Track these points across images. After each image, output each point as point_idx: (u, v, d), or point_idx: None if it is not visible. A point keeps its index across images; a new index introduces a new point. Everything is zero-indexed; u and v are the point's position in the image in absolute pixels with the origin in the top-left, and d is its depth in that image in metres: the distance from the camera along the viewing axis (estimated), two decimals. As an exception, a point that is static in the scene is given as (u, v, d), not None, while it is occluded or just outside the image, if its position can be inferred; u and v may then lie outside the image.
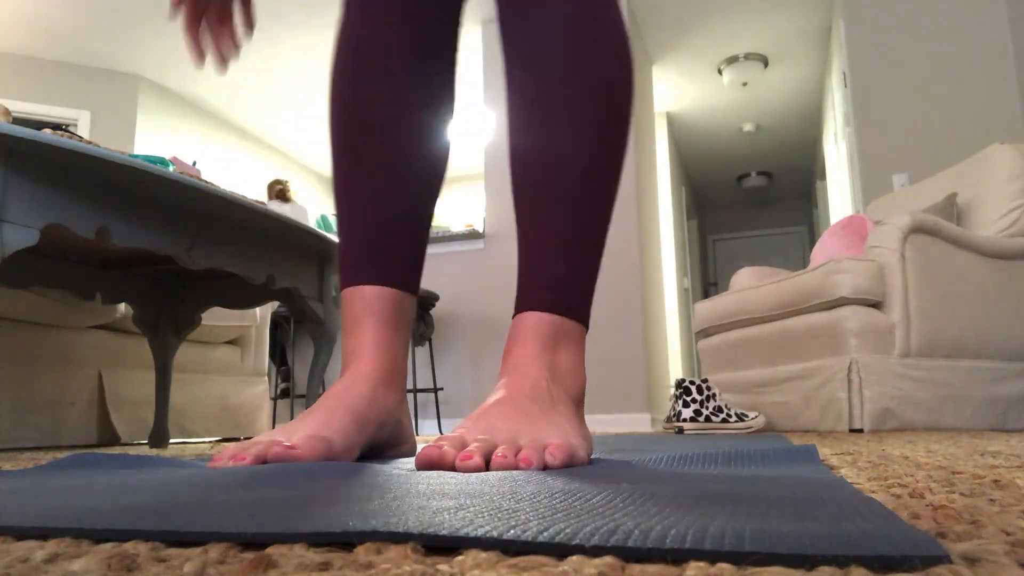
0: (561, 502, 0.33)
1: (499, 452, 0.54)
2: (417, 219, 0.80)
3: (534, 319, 0.70)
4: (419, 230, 0.81)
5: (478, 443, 0.56)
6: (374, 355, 0.73)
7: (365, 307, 0.74)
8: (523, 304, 0.72)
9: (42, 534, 0.30)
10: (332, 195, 0.80)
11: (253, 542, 0.27)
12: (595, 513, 0.29)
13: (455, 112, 0.86)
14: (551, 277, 0.71)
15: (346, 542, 0.26)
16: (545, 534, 0.24)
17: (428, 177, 0.81)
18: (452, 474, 0.51)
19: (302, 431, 0.63)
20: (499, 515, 0.29)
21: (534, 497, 0.36)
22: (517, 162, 0.75)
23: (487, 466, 0.54)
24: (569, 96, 0.72)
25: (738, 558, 0.21)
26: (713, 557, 0.22)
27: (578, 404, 0.71)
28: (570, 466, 0.56)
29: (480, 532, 0.25)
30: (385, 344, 0.74)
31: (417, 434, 3.74)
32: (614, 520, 0.27)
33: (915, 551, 0.21)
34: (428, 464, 0.55)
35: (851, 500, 0.32)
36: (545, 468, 0.54)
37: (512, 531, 0.25)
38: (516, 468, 0.53)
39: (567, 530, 0.25)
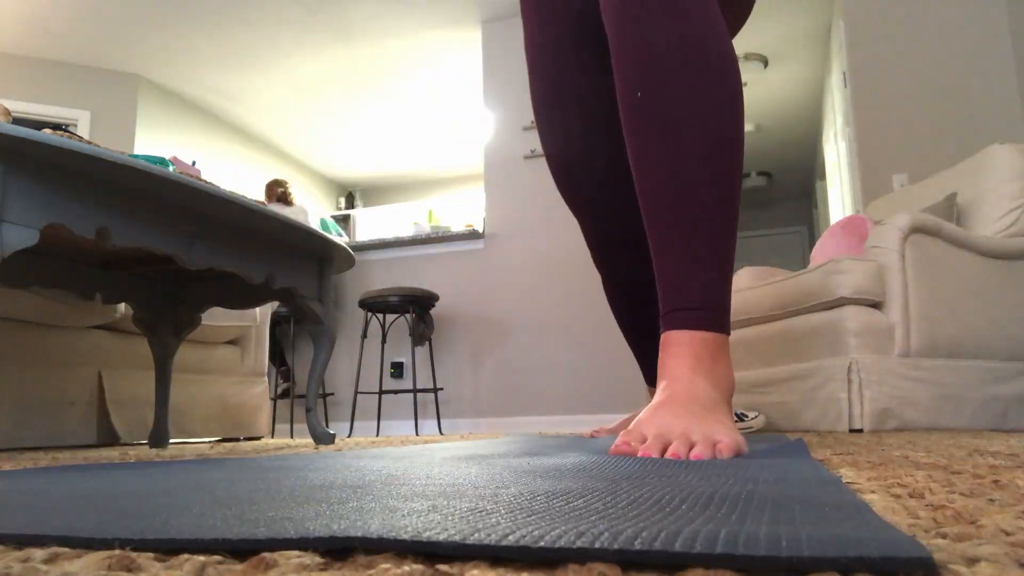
0: (542, 504, 0.34)
1: (671, 449, 0.66)
2: None
3: (687, 336, 0.81)
4: None
5: (655, 438, 0.68)
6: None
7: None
8: (675, 322, 0.82)
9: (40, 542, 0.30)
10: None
11: (254, 549, 0.27)
12: (592, 515, 0.29)
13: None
14: (698, 298, 0.82)
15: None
16: (561, 539, 0.24)
17: None
18: (441, 475, 0.52)
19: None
20: (473, 517, 0.29)
21: (513, 500, 0.36)
22: (650, 186, 0.84)
23: (662, 455, 0.65)
24: (695, 113, 0.82)
25: (740, 563, 0.21)
26: (708, 562, 0.22)
27: (729, 405, 0.82)
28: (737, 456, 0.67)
29: (488, 540, 0.25)
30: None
31: (416, 434, 3.74)
32: (592, 524, 0.27)
33: (903, 553, 0.21)
34: (619, 454, 0.69)
35: (848, 504, 0.32)
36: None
37: (511, 537, 0.25)
38: (687, 458, 0.64)
39: (569, 535, 0.25)
